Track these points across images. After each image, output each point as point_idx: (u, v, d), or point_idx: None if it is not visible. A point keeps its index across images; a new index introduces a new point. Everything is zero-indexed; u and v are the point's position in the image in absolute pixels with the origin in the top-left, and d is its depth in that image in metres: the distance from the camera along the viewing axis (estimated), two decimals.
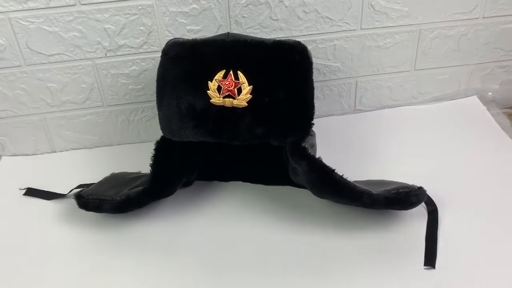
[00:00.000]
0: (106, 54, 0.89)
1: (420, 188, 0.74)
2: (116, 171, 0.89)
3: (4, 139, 0.97)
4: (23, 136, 0.97)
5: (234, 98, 0.69)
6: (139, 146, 1.00)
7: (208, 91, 0.69)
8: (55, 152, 0.99)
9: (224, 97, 0.69)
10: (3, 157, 0.98)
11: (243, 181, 0.88)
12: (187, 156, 0.79)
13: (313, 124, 0.73)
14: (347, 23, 0.93)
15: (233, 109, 0.69)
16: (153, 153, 0.75)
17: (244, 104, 0.69)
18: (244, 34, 0.82)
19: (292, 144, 0.72)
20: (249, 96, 0.69)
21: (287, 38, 0.77)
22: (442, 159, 0.90)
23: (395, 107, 1.04)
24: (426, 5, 0.94)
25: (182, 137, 0.73)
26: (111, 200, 0.76)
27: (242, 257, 0.73)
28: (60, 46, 0.89)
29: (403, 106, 1.04)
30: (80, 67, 0.90)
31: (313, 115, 0.72)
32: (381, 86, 1.02)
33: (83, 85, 0.92)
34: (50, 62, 0.90)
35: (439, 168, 0.88)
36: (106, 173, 0.88)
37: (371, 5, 0.92)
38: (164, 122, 0.74)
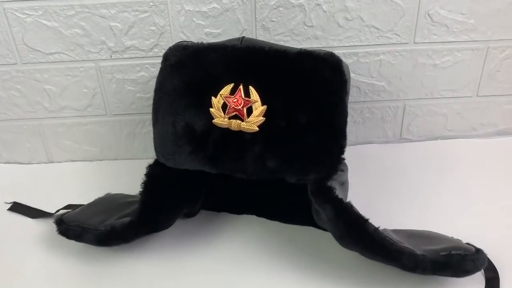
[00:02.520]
0: (111, 56, 0.79)
1: (479, 252, 0.57)
2: (117, 189, 0.79)
3: None
4: (17, 142, 0.88)
5: (243, 120, 0.56)
6: (144, 163, 0.86)
7: (211, 109, 0.56)
8: (52, 162, 0.90)
9: (230, 118, 0.56)
10: None
11: (257, 215, 0.74)
12: (187, 183, 0.66)
13: (344, 158, 0.58)
14: (397, 34, 0.79)
15: (240, 134, 0.56)
16: (143, 179, 0.63)
17: (255, 128, 0.56)
18: (266, 41, 0.68)
19: (315, 182, 0.58)
20: (261, 119, 0.55)
21: (318, 49, 0.62)
22: (508, 209, 0.73)
23: (450, 138, 0.90)
24: (497, 18, 0.78)
25: (177, 163, 0.60)
26: (93, 230, 0.64)
27: None
28: (60, 44, 0.79)
29: (460, 138, 0.90)
30: (81, 69, 0.81)
31: (345, 147, 0.58)
32: (435, 112, 0.88)
33: (85, 90, 0.83)
34: (48, 62, 0.80)
35: (504, 221, 0.70)
36: (105, 191, 0.77)
37: (428, 14, 0.77)
38: (158, 142, 0.62)
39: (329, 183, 0.58)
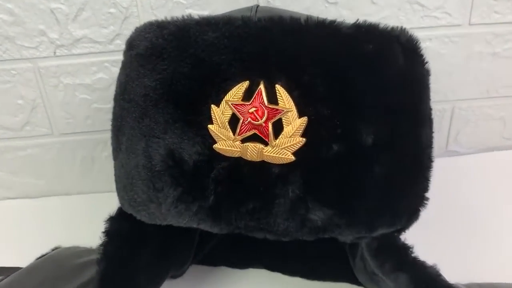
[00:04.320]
0: (55, 52, 0.62)
1: None
2: (70, 239, 0.59)
3: None
4: None
5: (267, 144, 0.34)
6: (108, 198, 0.69)
7: (209, 126, 0.35)
8: None
9: (244, 140, 0.35)
10: None
11: (269, 269, 0.55)
12: (172, 243, 0.46)
13: (428, 199, 0.39)
14: (448, 13, 0.63)
15: (263, 167, 0.35)
16: (102, 238, 0.42)
17: (288, 157, 0.34)
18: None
19: (382, 238, 0.39)
20: (299, 141, 0.34)
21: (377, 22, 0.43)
22: None
23: (509, 149, 0.76)
24: None
25: (154, 218, 0.40)
26: None
27: None
28: None
29: None
30: (13, 72, 0.63)
31: (430, 178, 0.39)
32: (491, 116, 0.72)
33: (20, 102, 0.65)
34: None
35: None
36: (53, 242, 0.58)
37: None
38: (121, 183, 0.41)
39: (402, 240, 0.39)
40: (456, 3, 0.62)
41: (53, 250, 0.57)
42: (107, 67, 0.62)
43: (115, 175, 0.42)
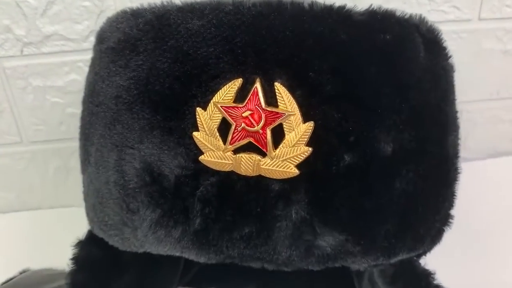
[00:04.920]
0: (22, 51, 0.58)
1: None
2: (42, 260, 0.54)
3: None
4: None
5: (265, 155, 0.29)
6: (85, 213, 0.64)
7: (194, 134, 0.30)
8: None
9: (237, 151, 0.30)
10: None
11: None
12: (151, 271, 0.41)
13: (453, 216, 0.35)
14: (456, 7, 0.61)
15: (261, 183, 0.30)
16: (69, 265, 0.37)
17: (291, 170, 0.29)
18: None
19: (400, 264, 0.34)
20: (304, 151, 0.29)
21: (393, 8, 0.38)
22: None
23: None
24: None
25: (129, 244, 0.34)
26: None
27: None
28: None
29: None
30: None
31: (456, 192, 0.34)
32: (500, 119, 0.70)
33: None
34: None
35: None
36: (22, 263, 0.54)
37: None
38: (90, 201, 0.36)
39: (423, 264, 0.35)
40: None
41: (21, 273, 0.54)
42: (80, 68, 0.59)
43: (84, 192, 0.37)
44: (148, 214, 0.31)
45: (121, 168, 0.31)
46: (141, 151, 0.31)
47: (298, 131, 0.29)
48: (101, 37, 0.34)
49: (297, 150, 0.29)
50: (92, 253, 0.36)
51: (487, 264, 0.55)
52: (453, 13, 0.60)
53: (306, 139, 0.29)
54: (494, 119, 0.70)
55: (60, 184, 0.66)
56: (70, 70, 0.59)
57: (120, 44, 0.32)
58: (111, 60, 0.33)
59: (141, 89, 0.31)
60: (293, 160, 0.29)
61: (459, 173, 0.34)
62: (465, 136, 0.68)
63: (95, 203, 0.34)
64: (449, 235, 0.58)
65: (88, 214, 0.36)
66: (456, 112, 0.35)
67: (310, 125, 0.29)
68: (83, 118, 0.36)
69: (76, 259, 0.36)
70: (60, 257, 0.52)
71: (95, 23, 0.55)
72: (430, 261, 0.40)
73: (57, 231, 0.65)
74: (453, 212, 0.34)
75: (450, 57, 0.34)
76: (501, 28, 0.62)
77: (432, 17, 0.58)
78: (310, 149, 0.29)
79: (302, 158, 0.29)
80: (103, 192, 0.33)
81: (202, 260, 0.32)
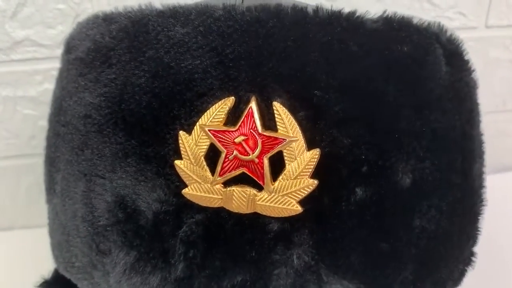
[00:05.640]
0: None
1: None
2: (10, 286, 0.55)
3: None
4: None
5: (261, 188, 0.25)
6: None
7: (176, 163, 0.26)
8: None
9: (227, 183, 0.26)
10: None
11: None
12: None
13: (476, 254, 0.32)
14: (462, 14, 0.59)
15: (256, 222, 0.26)
16: None
17: (294, 207, 0.25)
18: None
19: None
20: (309, 184, 0.25)
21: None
22: None
23: None
24: None
25: (98, 286, 0.30)
26: None
27: None
28: None
29: None
30: None
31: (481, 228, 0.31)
32: (508, 132, 0.68)
33: None
34: None
35: None
36: None
37: None
38: (55, 238, 0.31)
39: None
40: (471, 2, 0.58)
41: None
42: (54, 76, 0.53)
43: (49, 225, 0.32)
44: (122, 257, 0.26)
45: (89, 201, 0.27)
46: (113, 181, 0.26)
47: (301, 160, 0.24)
48: (69, 45, 0.30)
49: (300, 183, 0.25)
50: None
51: (495, 283, 0.51)
52: (459, 20, 0.59)
53: (310, 170, 0.25)
54: (501, 132, 0.68)
55: (32, 203, 0.62)
56: (43, 79, 0.56)
57: (89, 54, 0.28)
58: (79, 72, 0.28)
59: (114, 108, 0.27)
60: (295, 195, 0.25)
61: (484, 205, 0.30)
62: None
63: (60, 241, 0.30)
64: None
65: (53, 252, 0.31)
66: (482, 135, 0.31)
67: (315, 153, 0.25)
68: (48, 139, 0.32)
69: None
70: (32, 281, 0.50)
71: (71, 28, 0.51)
72: None
73: (29, 252, 0.61)
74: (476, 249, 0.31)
75: (473, 71, 0.30)
76: (509, 37, 0.60)
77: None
78: (316, 181, 0.25)
79: (306, 192, 0.25)
80: (69, 228, 0.28)
81: None
